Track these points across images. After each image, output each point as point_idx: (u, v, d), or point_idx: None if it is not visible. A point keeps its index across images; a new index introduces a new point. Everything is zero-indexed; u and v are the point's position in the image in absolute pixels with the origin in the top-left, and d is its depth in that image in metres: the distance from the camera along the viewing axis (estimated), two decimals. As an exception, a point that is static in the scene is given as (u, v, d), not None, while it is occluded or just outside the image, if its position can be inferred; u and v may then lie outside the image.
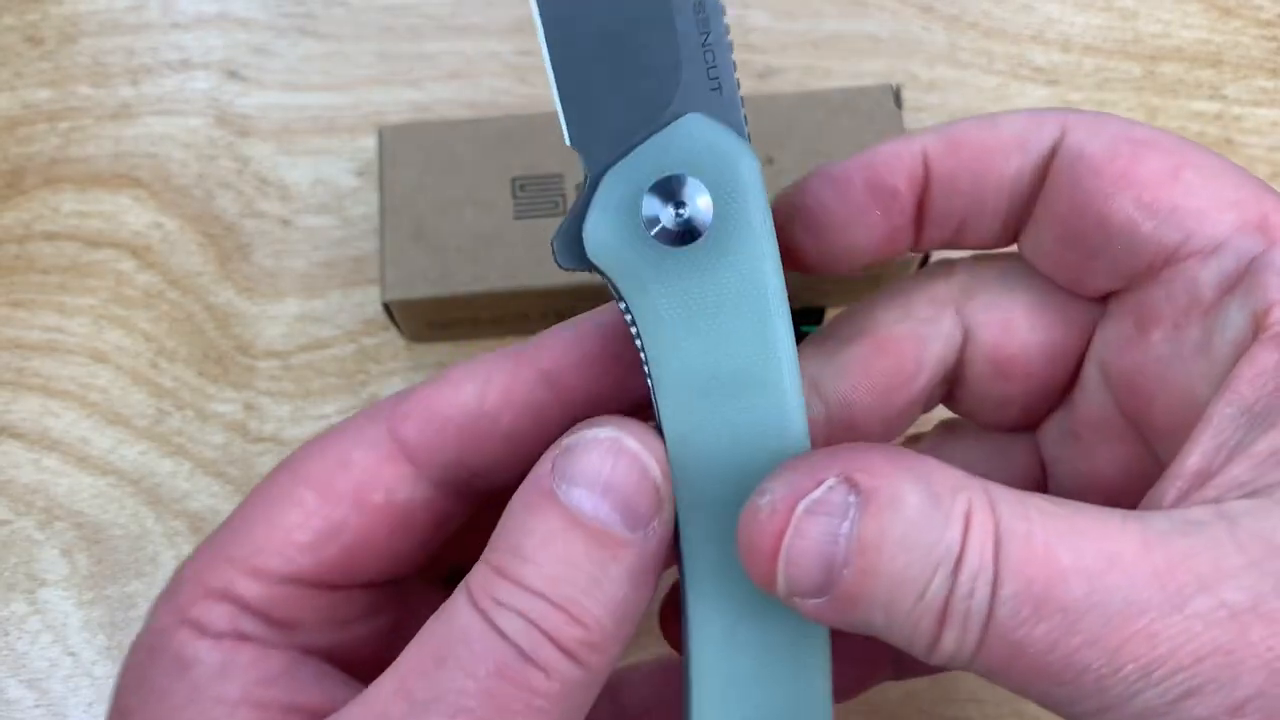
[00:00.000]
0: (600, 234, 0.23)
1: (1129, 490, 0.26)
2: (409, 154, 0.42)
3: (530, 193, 0.42)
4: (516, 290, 0.40)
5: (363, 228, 0.45)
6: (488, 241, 0.41)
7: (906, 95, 0.46)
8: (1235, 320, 0.23)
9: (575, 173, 0.42)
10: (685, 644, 0.23)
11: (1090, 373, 0.27)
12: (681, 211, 0.22)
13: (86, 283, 0.45)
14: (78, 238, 0.45)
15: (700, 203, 0.22)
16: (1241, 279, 0.23)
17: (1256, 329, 0.22)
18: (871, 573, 0.20)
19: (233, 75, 0.48)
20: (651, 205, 0.22)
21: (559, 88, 0.23)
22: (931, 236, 0.26)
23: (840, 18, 0.49)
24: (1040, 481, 0.29)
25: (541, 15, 0.23)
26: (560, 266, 0.23)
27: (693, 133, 0.23)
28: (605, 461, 0.22)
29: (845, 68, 0.48)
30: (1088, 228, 0.24)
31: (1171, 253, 0.24)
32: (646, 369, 0.23)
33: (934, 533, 0.20)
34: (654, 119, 0.23)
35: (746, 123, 0.23)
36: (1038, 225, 0.26)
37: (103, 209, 0.46)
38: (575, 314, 0.44)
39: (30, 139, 0.47)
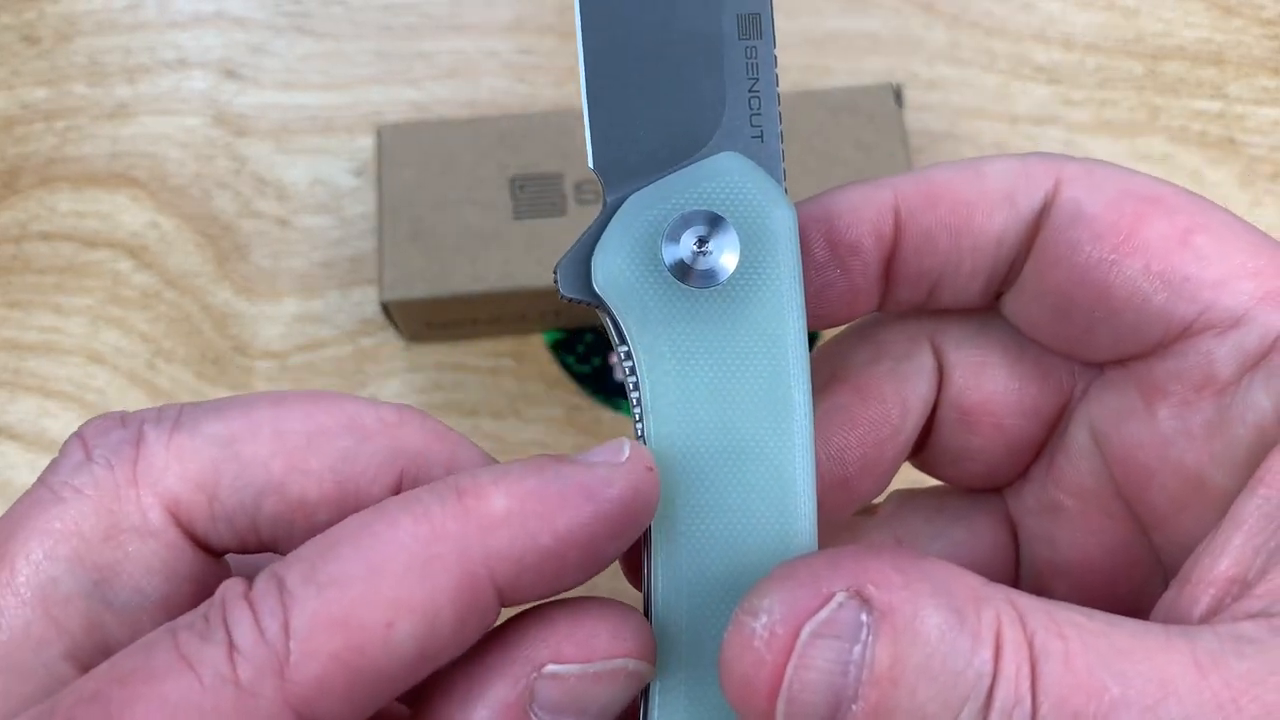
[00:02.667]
0: (613, 263, 0.21)
1: (1115, 571, 0.25)
2: (407, 153, 0.42)
3: (529, 192, 0.41)
4: (515, 290, 0.40)
5: (361, 227, 0.45)
6: (486, 241, 0.41)
7: (907, 94, 0.46)
8: (1258, 402, 0.21)
9: (574, 172, 0.42)
10: None
11: (1080, 439, 0.25)
12: (706, 250, 0.21)
13: (83, 283, 0.44)
14: (74, 238, 0.45)
15: (727, 244, 0.21)
16: (1265, 356, 0.21)
17: None
18: (886, 708, 0.17)
19: (230, 74, 0.48)
20: (674, 238, 0.21)
21: (590, 106, 0.22)
22: (900, 298, 0.24)
23: (840, 15, 0.48)
24: (1011, 556, 0.27)
25: (583, 29, 0.22)
26: (563, 297, 0.22)
27: (729, 170, 0.22)
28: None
29: (845, 66, 0.48)
30: (1088, 298, 0.22)
31: (1185, 327, 0.22)
32: (639, 428, 0.21)
33: (960, 658, 0.17)
34: (687, 155, 0.22)
35: (785, 177, 0.22)
36: (1026, 290, 0.23)
37: (99, 209, 0.45)
38: (573, 314, 0.44)
39: (26, 138, 0.46)
